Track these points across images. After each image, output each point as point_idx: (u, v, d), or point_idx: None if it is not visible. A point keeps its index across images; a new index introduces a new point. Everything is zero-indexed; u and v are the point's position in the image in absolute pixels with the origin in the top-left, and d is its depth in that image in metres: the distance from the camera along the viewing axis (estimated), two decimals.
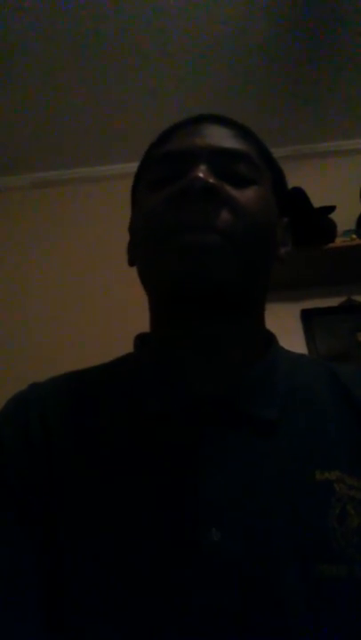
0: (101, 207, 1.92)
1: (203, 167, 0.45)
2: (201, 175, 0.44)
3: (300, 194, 1.57)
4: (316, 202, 1.59)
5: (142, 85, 1.68)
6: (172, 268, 0.45)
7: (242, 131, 0.52)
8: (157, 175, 0.50)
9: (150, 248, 0.48)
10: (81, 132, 1.83)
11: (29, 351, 1.68)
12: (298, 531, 0.41)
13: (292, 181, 1.61)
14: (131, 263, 0.57)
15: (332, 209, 1.57)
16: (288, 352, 0.57)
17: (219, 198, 0.45)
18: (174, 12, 1.44)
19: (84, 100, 1.70)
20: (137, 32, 1.49)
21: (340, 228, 1.61)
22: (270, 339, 0.55)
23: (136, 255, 0.54)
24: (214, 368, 0.49)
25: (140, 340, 0.57)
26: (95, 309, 1.74)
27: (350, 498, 0.43)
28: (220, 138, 0.50)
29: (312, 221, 1.56)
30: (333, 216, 1.59)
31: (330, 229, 1.58)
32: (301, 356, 0.58)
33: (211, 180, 0.45)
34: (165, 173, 0.49)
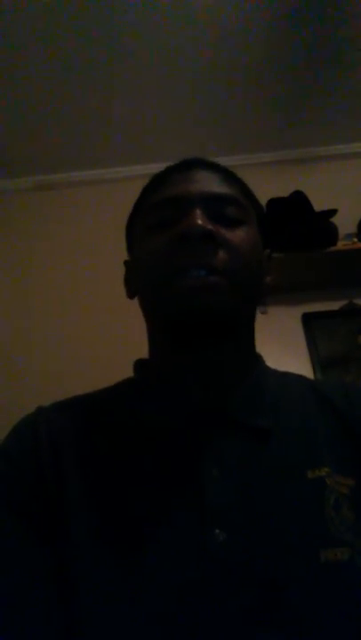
0: (104, 210, 1.93)
1: (198, 212, 0.51)
2: (199, 222, 0.50)
3: (301, 197, 1.57)
4: (318, 205, 1.59)
5: (144, 88, 1.68)
6: (180, 304, 0.50)
7: (227, 174, 0.58)
8: (156, 219, 0.55)
9: (156, 288, 0.53)
10: (83, 135, 1.84)
11: (30, 354, 1.69)
12: (298, 525, 0.44)
13: (294, 185, 1.63)
14: (130, 296, 0.62)
15: (333, 212, 1.57)
16: (273, 370, 0.62)
17: (215, 241, 0.51)
18: (175, 13, 1.45)
19: (86, 103, 1.71)
20: (138, 36, 1.50)
21: (342, 231, 1.61)
22: (257, 358, 0.61)
23: (137, 289, 0.60)
24: (211, 387, 0.54)
25: (140, 364, 0.61)
26: (97, 311, 1.74)
27: (339, 493, 0.47)
28: (210, 183, 0.55)
29: (313, 225, 1.57)
30: (335, 219, 1.60)
31: (331, 233, 1.59)
32: (285, 373, 0.63)
33: (209, 227, 0.50)
34: (164, 217, 0.54)
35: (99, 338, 1.68)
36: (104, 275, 1.81)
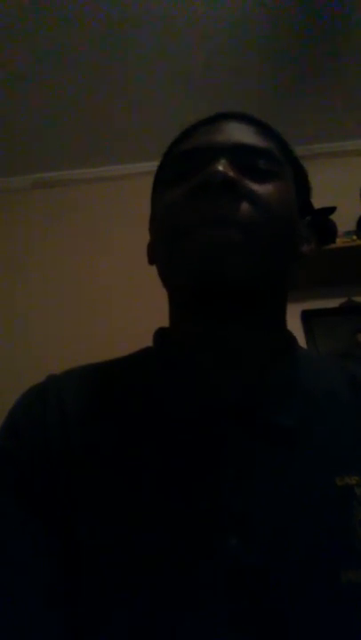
0: (102, 208, 1.92)
1: (223, 161, 0.45)
2: (221, 168, 0.44)
3: None
4: (317, 203, 1.58)
5: (143, 86, 1.68)
6: (193, 263, 0.44)
7: (263, 128, 0.52)
8: (177, 171, 0.50)
9: (171, 243, 0.47)
10: (82, 132, 1.83)
11: (30, 353, 1.69)
12: (321, 537, 0.40)
13: None
14: (151, 262, 0.56)
15: (332, 210, 1.57)
16: (308, 353, 0.55)
17: (239, 191, 0.45)
18: (175, 12, 1.45)
19: (85, 100, 1.70)
20: (137, 34, 1.50)
21: (341, 228, 1.61)
22: (290, 342, 0.54)
23: (156, 253, 0.54)
24: (235, 372, 0.48)
25: (160, 335, 0.56)
26: (96, 310, 1.74)
27: None
28: (241, 134, 0.49)
29: (312, 222, 1.56)
30: (334, 217, 1.59)
31: (330, 230, 1.59)
32: (321, 357, 0.57)
33: (230, 174, 0.44)
34: (185, 169, 0.49)
35: (98, 336, 1.68)
36: (103, 272, 1.81)
